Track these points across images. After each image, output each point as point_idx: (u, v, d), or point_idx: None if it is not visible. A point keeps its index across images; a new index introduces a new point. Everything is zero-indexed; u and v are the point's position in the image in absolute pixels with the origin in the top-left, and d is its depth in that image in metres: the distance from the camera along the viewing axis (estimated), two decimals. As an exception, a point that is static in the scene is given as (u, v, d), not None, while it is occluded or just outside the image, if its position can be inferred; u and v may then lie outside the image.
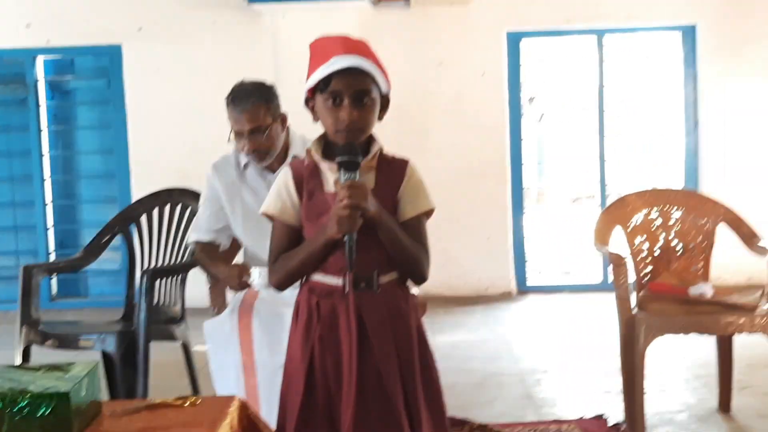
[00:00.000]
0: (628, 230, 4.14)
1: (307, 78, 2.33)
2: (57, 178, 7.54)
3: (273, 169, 3.48)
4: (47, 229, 7.45)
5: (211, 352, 3.39)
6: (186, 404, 2.45)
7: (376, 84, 2.30)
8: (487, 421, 4.05)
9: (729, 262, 4.72)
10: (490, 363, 5.23)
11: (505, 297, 7.23)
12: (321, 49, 2.31)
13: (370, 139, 2.35)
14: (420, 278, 2.38)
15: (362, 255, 2.23)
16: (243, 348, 3.28)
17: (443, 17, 7.17)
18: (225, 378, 3.31)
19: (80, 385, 2.27)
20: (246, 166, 3.53)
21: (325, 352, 2.30)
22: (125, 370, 3.73)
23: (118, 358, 3.74)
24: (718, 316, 3.67)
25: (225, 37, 7.15)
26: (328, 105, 2.28)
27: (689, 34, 7.31)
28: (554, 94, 10.53)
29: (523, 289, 7.43)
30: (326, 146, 2.35)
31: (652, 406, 4.05)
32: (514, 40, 7.34)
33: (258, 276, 3.27)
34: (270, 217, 2.41)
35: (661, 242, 4.12)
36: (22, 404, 2.15)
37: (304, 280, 2.39)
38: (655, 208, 4.17)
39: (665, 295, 3.86)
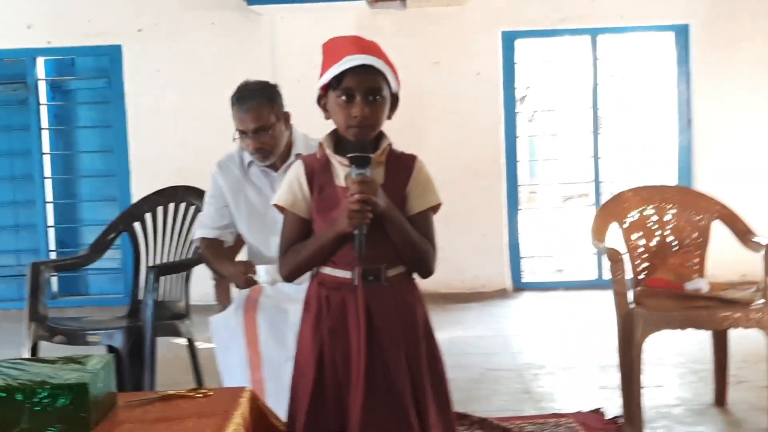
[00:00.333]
0: (625, 226, 4.20)
1: (320, 76, 2.40)
2: (57, 178, 7.60)
3: (276, 167, 3.55)
4: (48, 228, 7.50)
5: (218, 347, 3.45)
6: (198, 395, 2.52)
7: (387, 83, 2.37)
8: (486, 415, 4.11)
9: (723, 259, 4.78)
10: (488, 359, 5.30)
11: (500, 294, 7.31)
12: (334, 49, 2.38)
13: (380, 136, 2.42)
14: (426, 272, 2.44)
15: (371, 249, 2.30)
16: (248, 343, 3.33)
17: (439, 18, 7.25)
18: (232, 372, 3.36)
19: (97, 377, 2.32)
20: (250, 164, 3.59)
21: (334, 343, 2.36)
22: (132, 366, 3.79)
23: (126, 354, 3.80)
24: (714, 311, 3.74)
25: (224, 38, 7.22)
26: (341, 102, 2.35)
27: (682, 33, 7.40)
28: (547, 93, 10.61)
29: (519, 287, 7.51)
30: (337, 142, 2.42)
31: (648, 400, 4.11)
32: (509, 40, 7.41)
33: (264, 273, 3.32)
34: (281, 209, 2.48)
35: (657, 238, 4.18)
36: (42, 395, 2.20)
37: (314, 273, 2.45)
38: (651, 205, 4.23)
39: (662, 290, 3.92)
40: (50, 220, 7.53)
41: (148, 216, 4.45)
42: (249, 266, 3.38)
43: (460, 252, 7.07)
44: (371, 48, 2.38)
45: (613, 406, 4.19)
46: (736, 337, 4.21)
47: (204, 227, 3.64)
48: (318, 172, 2.42)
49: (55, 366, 2.42)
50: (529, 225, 8.16)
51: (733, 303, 3.77)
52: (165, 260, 4.40)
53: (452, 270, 7.03)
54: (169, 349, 4.39)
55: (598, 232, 4.15)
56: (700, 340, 4.65)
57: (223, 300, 3.76)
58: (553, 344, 5.68)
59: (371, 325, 2.35)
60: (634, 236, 4.19)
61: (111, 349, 3.95)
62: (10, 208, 7.58)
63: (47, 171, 7.48)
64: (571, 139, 8.90)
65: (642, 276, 4.14)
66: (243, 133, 3.44)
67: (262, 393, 3.27)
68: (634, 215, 4.22)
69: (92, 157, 7.69)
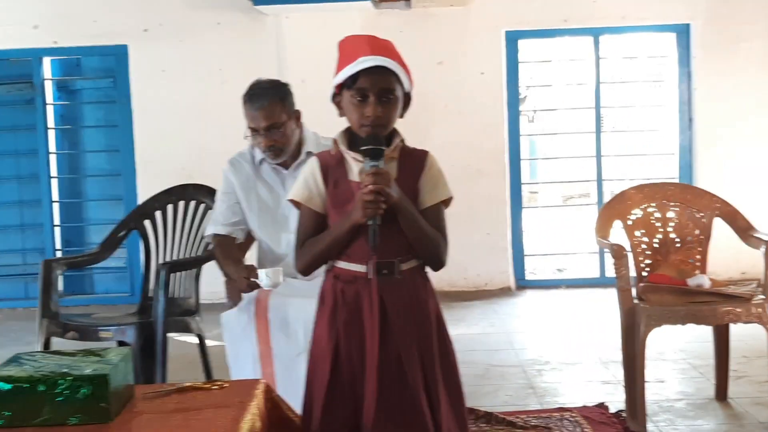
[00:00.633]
0: (628, 224, 4.26)
1: (335, 75, 2.46)
2: (63, 177, 7.64)
3: (287, 165, 3.60)
4: (54, 227, 7.55)
5: (229, 343, 3.49)
6: (214, 387, 2.58)
7: (400, 82, 2.44)
8: (492, 409, 4.16)
9: (723, 258, 4.83)
10: (492, 355, 5.35)
11: (504, 292, 7.37)
12: (349, 49, 2.45)
13: (392, 133, 2.49)
14: (438, 264, 2.51)
15: (384, 243, 2.36)
16: (260, 338, 3.38)
17: (443, 18, 7.30)
18: (242, 367, 3.41)
19: (117, 369, 2.38)
20: (261, 162, 3.64)
21: (349, 335, 2.42)
22: (144, 361, 3.85)
23: (137, 350, 3.86)
24: (716, 306, 3.81)
25: (229, 38, 7.26)
26: (355, 101, 2.41)
27: (683, 33, 7.45)
28: (548, 93, 10.63)
29: (522, 284, 7.56)
30: (351, 139, 2.48)
31: (651, 395, 4.17)
32: (512, 40, 7.47)
33: (264, 277, 3.36)
34: (297, 204, 2.54)
35: (659, 235, 4.24)
36: (63, 386, 2.26)
37: (329, 267, 2.52)
38: (654, 203, 4.28)
39: (664, 286, 3.98)
40: (56, 220, 7.57)
41: (158, 214, 4.51)
42: (251, 270, 3.40)
43: (463, 250, 7.08)
44: (385, 48, 2.45)
45: (615, 401, 4.25)
46: (737, 333, 4.29)
47: (216, 224, 3.69)
48: (332, 168, 2.48)
49: (75, 358, 2.49)
50: (531, 224, 8.20)
51: (735, 298, 3.83)
52: (174, 258, 4.45)
53: (456, 268, 7.06)
54: (177, 347, 4.45)
55: (602, 229, 4.20)
56: (700, 335, 4.71)
57: (234, 297, 3.81)
58: (556, 341, 5.73)
59: (385, 318, 2.41)
60: (637, 233, 4.25)
61: (122, 345, 4.00)
62: (17, 207, 7.62)
63: (53, 170, 7.51)
64: (574, 138, 8.92)
65: (645, 272, 4.20)
66: (255, 130, 3.49)
67: (274, 387, 3.33)
68: (637, 213, 4.27)
69: (98, 157, 7.73)
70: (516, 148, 7.54)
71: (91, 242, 7.54)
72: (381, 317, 2.40)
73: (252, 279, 3.36)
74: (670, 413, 4.12)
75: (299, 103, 3.62)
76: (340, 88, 2.46)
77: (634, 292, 3.98)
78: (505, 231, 7.48)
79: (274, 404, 2.63)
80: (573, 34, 7.74)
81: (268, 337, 3.38)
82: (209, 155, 6.80)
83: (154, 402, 2.49)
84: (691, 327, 3.92)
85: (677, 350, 5.19)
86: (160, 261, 4.41)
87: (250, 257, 3.80)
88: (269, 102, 3.44)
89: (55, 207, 7.56)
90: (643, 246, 4.23)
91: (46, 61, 7.50)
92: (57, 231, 7.59)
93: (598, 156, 7.59)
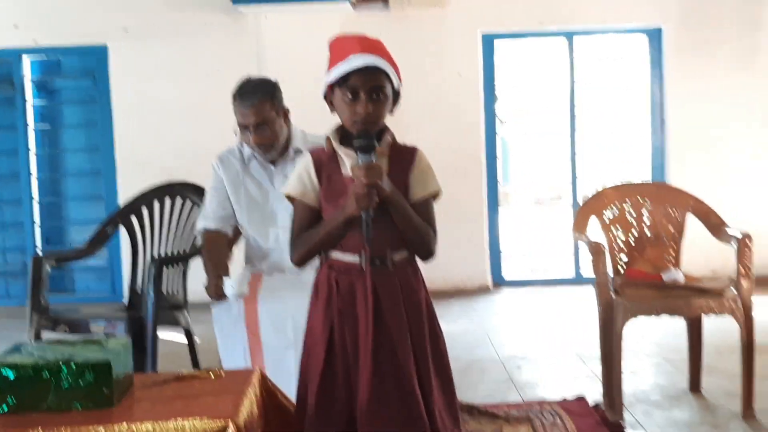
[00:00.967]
0: (605, 221, 4.38)
1: (327, 73, 2.54)
2: (44, 176, 7.65)
3: (275, 162, 3.69)
4: (34, 226, 7.56)
5: (219, 335, 3.56)
6: (211, 376, 2.66)
7: (390, 81, 2.52)
8: (474, 402, 4.26)
9: (694, 257, 4.92)
10: (472, 351, 5.45)
11: (482, 290, 7.49)
12: (340, 48, 2.53)
13: (383, 130, 2.58)
14: (427, 254, 2.62)
15: (377, 235, 2.45)
16: (249, 330, 3.45)
17: (421, 19, 7.39)
18: (233, 359, 3.48)
19: (118, 357, 2.46)
20: (250, 158, 3.72)
21: (343, 324, 2.51)
22: (135, 355, 3.88)
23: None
24: (690, 299, 3.94)
25: (209, 38, 7.31)
26: (346, 99, 2.50)
27: (655, 36, 7.60)
28: (522, 95, 10.73)
29: (499, 283, 7.68)
30: (343, 135, 2.57)
31: (627, 386, 4.28)
32: (488, 42, 7.58)
33: (229, 287, 3.41)
34: (291, 199, 2.62)
35: (635, 232, 4.37)
36: (67, 373, 2.33)
37: (324, 259, 2.60)
38: (630, 201, 4.41)
39: (640, 281, 4.11)
40: (37, 219, 7.58)
41: (145, 211, 4.57)
42: (220, 279, 3.47)
43: (442, 249, 7.12)
44: (376, 47, 2.53)
45: (592, 394, 4.37)
46: (709, 328, 4.42)
47: (206, 218, 3.75)
48: (326, 164, 2.57)
49: (77, 347, 2.56)
50: (506, 224, 8.31)
51: (708, 292, 3.96)
52: (161, 254, 4.50)
53: (435, 267, 7.11)
54: (164, 344, 4.48)
55: (580, 226, 4.32)
56: (674, 330, 4.84)
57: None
58: (534, 337, 5.85)
59: (378, 307, 2.50)
60: (614, 230, 4.37)
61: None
62: (-3, 206, 7.63)
63: (33, 169, 7.53)
64: (548, 140, 9.05)
65: (621, 268, 4.32)
66: (244, 127, 3.56)
67: (265, 378, 3.41)
68: (613, 210, 4.40)
69: (78, 156, 7.73)
70: (492, 149, 7.64)
71: (71, 241, 7.55)
72: (374, 306, 2.49)
73: (220, 286, 3.44)
74: (646, 404, 4.23)
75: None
76: (332, 86, 2.54)
77: (611, 286, 4.09)
78: (482, 230, 7.58)
79: (269, 392, 2.71)
80: (547, 35, 7.85)
81: (257, 330, 3.45)
82: (189, 154, 6.87)
83: (153, 390, 2.56)
84: (665, 322, 4.03)
85: (652, 344, 5.32)
86: (147, 257, 4.47)
87: (238, 252, 3.86)
88: (259, 99, 3.50)
89: (36, 206, 7.57)
90: (620, 242, 4.35)
91: (26, 61, 7.51)
92: (37, 230, 7.59)
93: (573, 158, 7.70)
